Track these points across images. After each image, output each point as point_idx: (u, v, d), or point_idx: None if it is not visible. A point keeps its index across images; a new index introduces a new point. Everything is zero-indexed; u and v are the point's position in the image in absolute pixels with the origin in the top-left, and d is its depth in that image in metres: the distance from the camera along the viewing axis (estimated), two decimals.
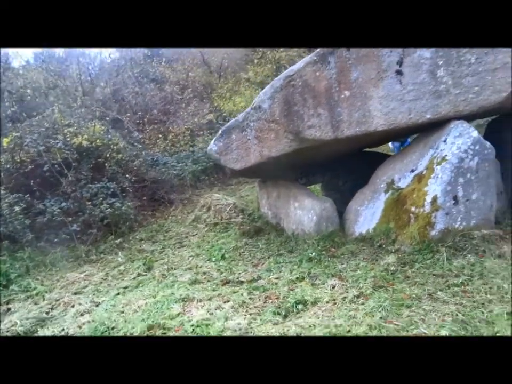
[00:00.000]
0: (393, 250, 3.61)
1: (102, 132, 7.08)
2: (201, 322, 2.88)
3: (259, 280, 3.72)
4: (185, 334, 2.75)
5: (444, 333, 2.25)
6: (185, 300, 3.38)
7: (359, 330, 2.39)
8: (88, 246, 5.46)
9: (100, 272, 4.64)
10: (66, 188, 5.66)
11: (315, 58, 3.70)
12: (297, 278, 3.55)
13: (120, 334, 2.90)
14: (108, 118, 8.92)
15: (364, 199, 4.33)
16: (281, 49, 13.84)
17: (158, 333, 2.85)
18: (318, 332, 2.43)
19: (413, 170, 3.82)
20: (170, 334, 2.82)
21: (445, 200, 3.37)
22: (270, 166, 4.75)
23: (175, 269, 4.46)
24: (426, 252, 3.37)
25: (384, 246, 3.75)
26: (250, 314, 2.95)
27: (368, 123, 3.73)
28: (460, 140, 3.39)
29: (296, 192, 4.96)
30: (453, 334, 2.22)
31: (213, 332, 2.71)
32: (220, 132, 4.66)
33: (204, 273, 4.21)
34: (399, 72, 3.53)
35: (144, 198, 6.97)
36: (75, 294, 4.01)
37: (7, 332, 3.28)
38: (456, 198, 3.39)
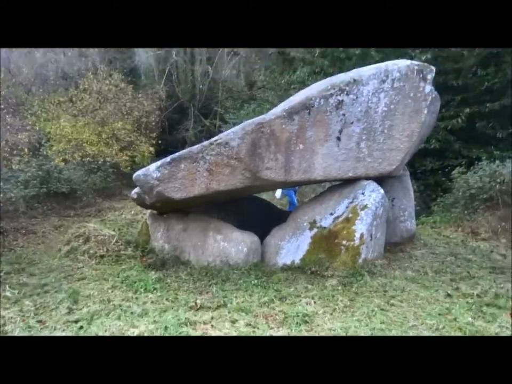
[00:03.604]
0: (329, 275, 4.53)
1: None
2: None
3: (228, 305, 3.91)
4: None
5: (429, 322, 3.29)
6: (187, 324, 3.29)
7: (377, 326, 3.16)
8: None
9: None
10: None
11: (284, 114, 4.45)
12: (268, 299, 3.97)
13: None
14: None
15: (284, 234, 5.14)
16: (107, 81, 13.48)
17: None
18: (350, 333, 3.06)
19: (332, 214, 4.95)
20: None
21: (367, 236, 4.61)
22: (198, 200, 5.01)
23: (109, 302, 3.99)
24: (357, 275, 4.46)
25: (318, 272, 4.62)
26: (272, 328, 3.24)
27: (311, 172, 4.69)
28: (374, 194, 4.77)
29: (218, 225, 5.30)
30: (432, 321, 3.30)
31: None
32: (168, 159, 4.62)
33: (153, 302, 4.00)
34: (338, 138, 4.69)
35: None
36: None
37: None
38: (371, 235, 4.69)
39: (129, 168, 11.45)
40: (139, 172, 4.91)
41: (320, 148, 4.65)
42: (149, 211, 6.24)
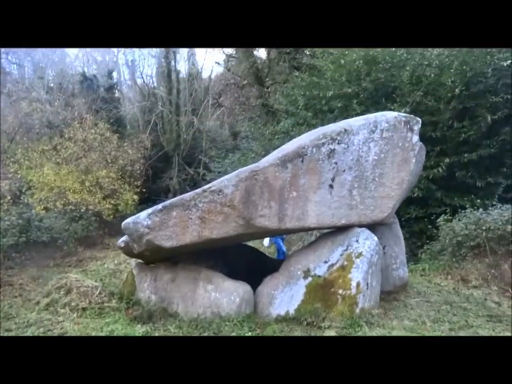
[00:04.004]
0: (326, 327, 4.36)
1: None
2: None
3: None
4: None
5: None
6: None
7: None
8: None
9: None
10: None
11: (278, 162, 4.49)
12: None
13: None
14: None
15: (277, 283, 4.99)
16: (92, 130, 13.53)
17: None
18: None
19: (326, 262, 4.87)
20: None
21: (363, 285, 4.52)
22: (189, 249, 4.89)
23: None
24: (355, 326, 4.31)
25: (315, 323, 4.45)
26: None
27: (305, 220, 4.66)
28: (368, 242, 4.74)
29: (209, 274, 5.12)
30: None
31: None
32: (160, 206, 4.52)
33: None
34: (331, 186, 4.72)
35: None
36: None
37: None
38: (367, 284, 4.60)
39: (111, 216, 11.24)
40: (128, 220, 4.78)
41: (313, 195, 4.66)
42: (134, 260, 6.03)
